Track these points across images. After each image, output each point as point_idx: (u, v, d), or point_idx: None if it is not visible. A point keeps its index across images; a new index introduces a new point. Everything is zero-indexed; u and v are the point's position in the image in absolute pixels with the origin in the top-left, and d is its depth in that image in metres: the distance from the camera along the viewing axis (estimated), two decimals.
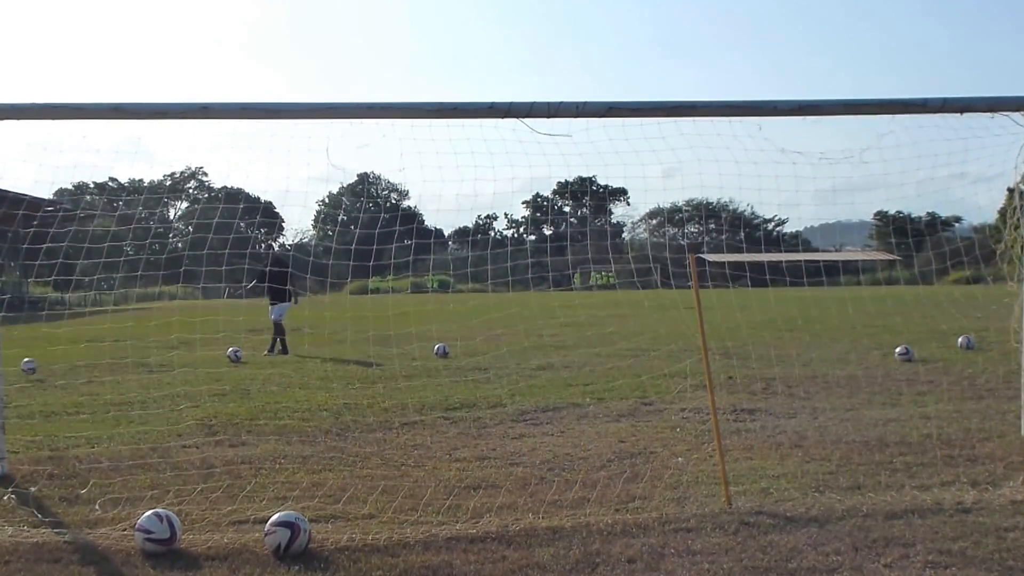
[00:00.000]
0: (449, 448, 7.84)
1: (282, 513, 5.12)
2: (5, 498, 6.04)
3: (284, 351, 16.81)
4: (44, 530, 5.45)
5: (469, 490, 6.35)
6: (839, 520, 5.43)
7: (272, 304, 17.08)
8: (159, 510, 5.17)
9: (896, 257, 9.56)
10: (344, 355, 15.26)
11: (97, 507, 5.85)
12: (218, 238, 7.88)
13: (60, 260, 7.19)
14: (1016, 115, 6.28)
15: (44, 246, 7.03)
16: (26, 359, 13.13)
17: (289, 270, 16.54)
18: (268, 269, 16.48)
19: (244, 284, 17.39)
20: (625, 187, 63.08)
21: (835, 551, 4.87)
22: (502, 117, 5.88)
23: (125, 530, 5.30)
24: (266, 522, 5.09)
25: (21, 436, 8.17)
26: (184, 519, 5.45)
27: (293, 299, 17.25)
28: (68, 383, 11.89)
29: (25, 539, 5.25)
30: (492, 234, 74.00)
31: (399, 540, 5.22)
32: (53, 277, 7.51)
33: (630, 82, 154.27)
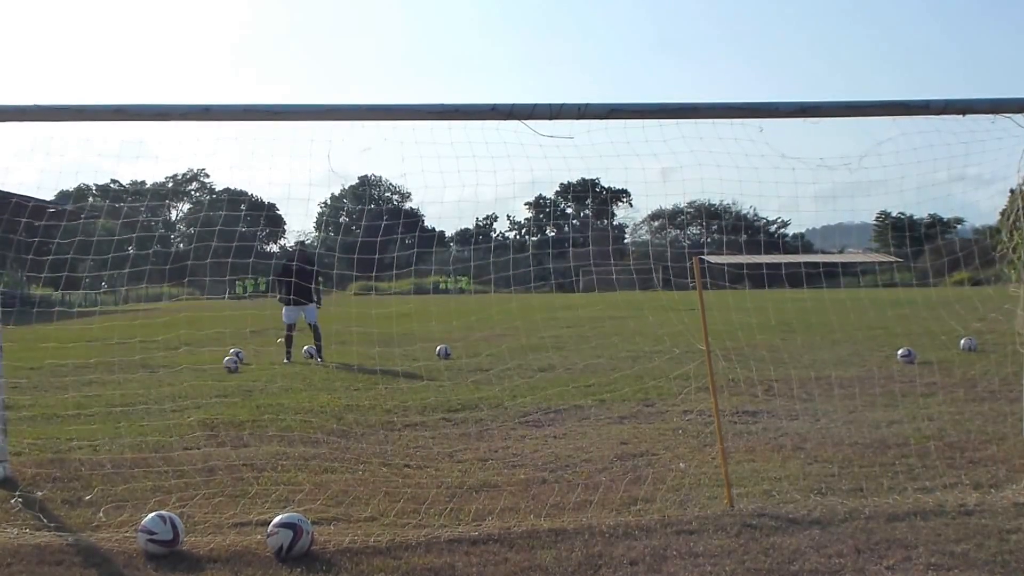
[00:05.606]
0: (451, 450, 7.84)
1: (284, 515, 5.13)
2: (12, 501, 6.05)
3: (288, 355, 15.63)
4: (46, 532, 5.46)
5: (471, 492, 6.35)
6: (841, 522, 5.43)
7: (297, 305, 15.55)
8: (162, 512, 5.18)
9: (898, 259, 9.54)
10: (346, 357, 15.27)
11: (101, 513, 5.85)
12: (220, 238, 7.88)
13: (64, 262, 7.20)
14: (1018, 117, 6.25)
15: (51, 253, 7.03)
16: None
17: (315, 268, 15.51)
18: (296, 265, 15.28)
19: (275, 294, 16.57)
20: (627, 189, 63.51)
21: (837, 553, 4.88)
22: (504, 119, 5.85)
23: (128, 532, 5.31)
24: (268, 524, 5.11)
25: (23, 438, 8.19)
26: (187, 521, 5.45)
27: (318, 300, 15.96)
28: (69, 384, 11.89)
29: (27, 541, 5.26)
30: (494, 236, 73.97)
31: (401, 542, 5.23)
32: (55, 273, 7.48)
33: (630, 83, 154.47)
